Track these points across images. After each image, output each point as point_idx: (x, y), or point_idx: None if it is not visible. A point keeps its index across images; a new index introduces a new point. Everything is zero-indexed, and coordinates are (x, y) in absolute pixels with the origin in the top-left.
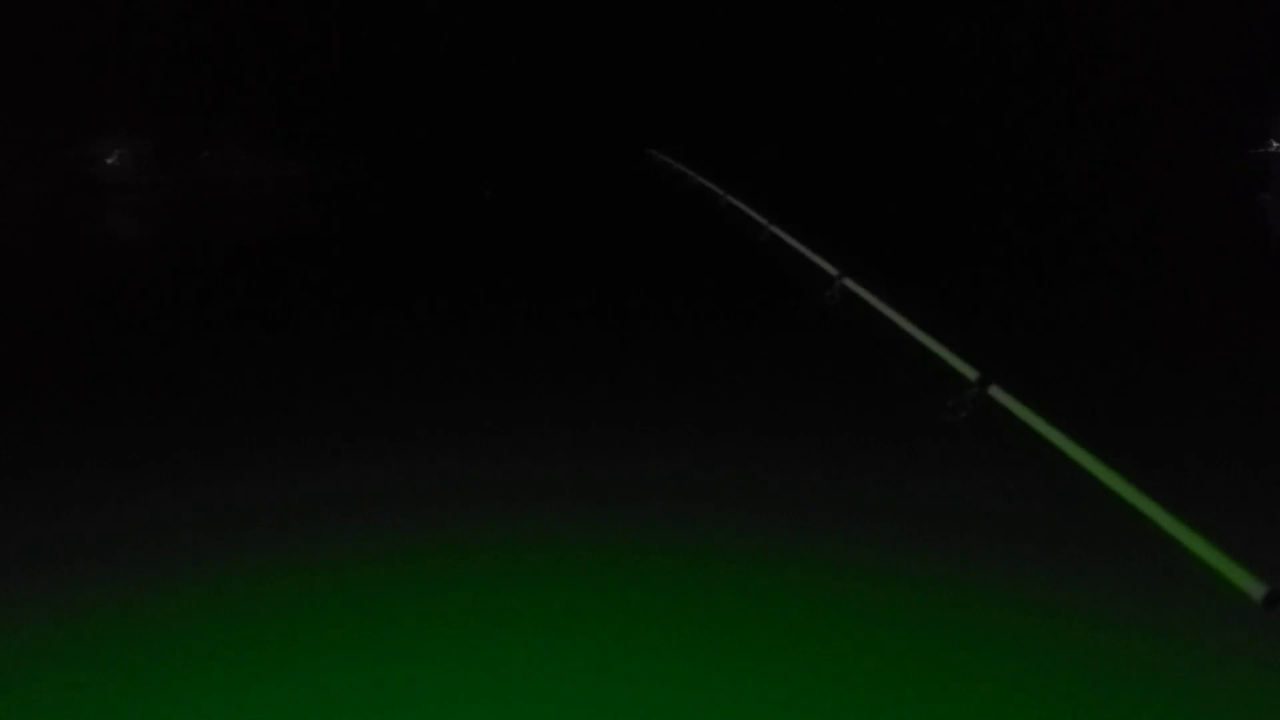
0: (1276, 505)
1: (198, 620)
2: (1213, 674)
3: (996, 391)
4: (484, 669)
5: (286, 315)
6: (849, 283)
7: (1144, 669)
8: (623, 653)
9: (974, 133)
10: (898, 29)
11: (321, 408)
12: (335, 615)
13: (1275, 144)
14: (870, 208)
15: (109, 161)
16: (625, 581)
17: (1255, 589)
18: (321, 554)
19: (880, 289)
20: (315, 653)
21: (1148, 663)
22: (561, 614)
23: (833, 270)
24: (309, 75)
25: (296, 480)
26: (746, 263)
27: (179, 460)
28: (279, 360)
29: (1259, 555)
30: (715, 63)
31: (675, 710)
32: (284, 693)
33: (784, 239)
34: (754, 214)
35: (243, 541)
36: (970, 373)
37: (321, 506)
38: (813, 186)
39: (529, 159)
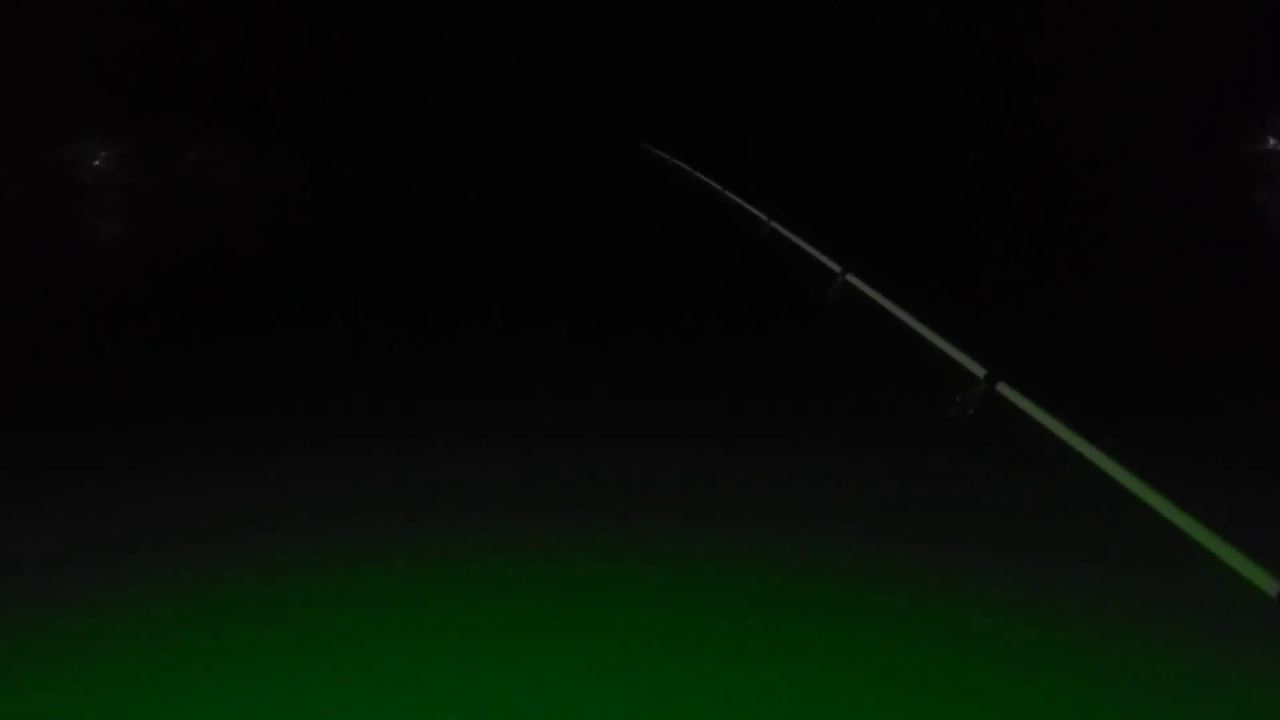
0: None
1: (191, 624)
2: (1226, 669)
3: (1004, 388)
4: (483, 677)
5: (265, 319)
6: (852, 278)
7: (1156, 663)
8: (622, 661)
9: (972, 130)
10: (895, 26)
11: (301, 413)
12: (333, 622)
13: (1274, 141)
14: (872, 204)
15: (95, 163)
16: (626, 591)
17: (1270, 584)
18: (316, 561)
19: (884, 285)
20: (313, 659)
21: (1161, 657)
22: (560, 622)
23: (835, 266)
24: (293, 77)
25: (284, 486)
26: (746, 260)
27: (167, 466)
28: (259, 365)
29: (1273, 550)
30: (710, 57)
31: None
32: (278, 697)
33: (784, 234)
34: (753, 209)
35: (237, 547)
36: (977, 369)
37: (315, 512)
38: (813, 183)
39: (518, 156)
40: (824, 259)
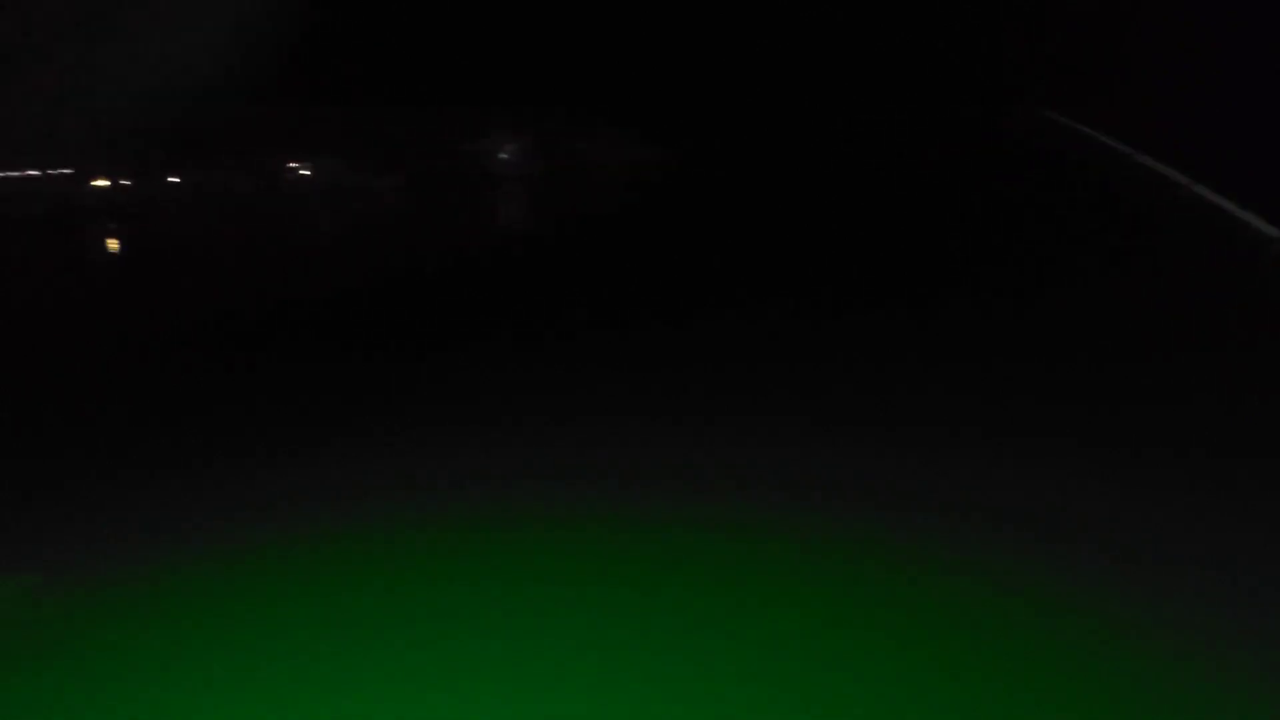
0: None
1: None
2: None
3: None
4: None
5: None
6: None
7: None
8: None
9: None
10: None
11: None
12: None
13: None
14: None
15: (501, 155)
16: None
17: None
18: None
19: None
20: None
21: None
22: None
23: (1273, 231)
24: (666, 69)
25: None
26: (1164, 226)
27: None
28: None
29: None
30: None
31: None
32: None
33: (1209, 199)
34: (1171, 173)
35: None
36: None
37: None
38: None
39: (888, 130)
40: (1258, 223)
